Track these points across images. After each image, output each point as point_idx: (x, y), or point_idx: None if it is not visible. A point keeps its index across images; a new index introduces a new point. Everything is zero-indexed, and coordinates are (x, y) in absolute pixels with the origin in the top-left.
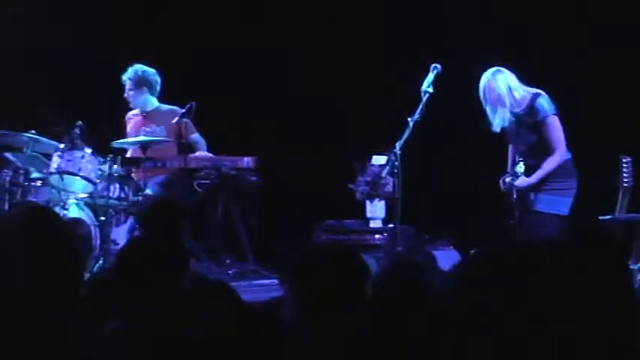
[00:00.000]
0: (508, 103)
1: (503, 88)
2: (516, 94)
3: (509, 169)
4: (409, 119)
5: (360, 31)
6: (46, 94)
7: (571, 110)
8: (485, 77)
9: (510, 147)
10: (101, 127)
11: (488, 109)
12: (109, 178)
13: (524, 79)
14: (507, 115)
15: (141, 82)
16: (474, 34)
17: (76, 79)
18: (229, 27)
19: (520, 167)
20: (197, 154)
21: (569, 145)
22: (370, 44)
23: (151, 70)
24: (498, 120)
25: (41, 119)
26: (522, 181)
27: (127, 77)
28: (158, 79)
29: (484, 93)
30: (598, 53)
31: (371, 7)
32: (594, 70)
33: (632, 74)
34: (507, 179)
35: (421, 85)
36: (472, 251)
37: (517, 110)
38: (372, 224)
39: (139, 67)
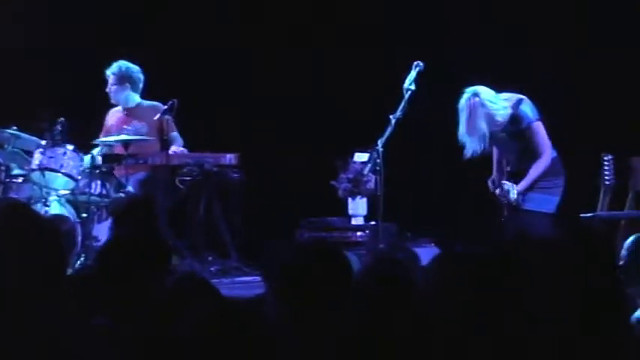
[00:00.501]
0: (485, 131)
1: (482, 118)
2: (498, 118)
3: (494, 170)
4: (391, 117)
5: (348, 28)
6: (41, 93)
7: (553, 109)
8: (465, 104)
9: (495, 150)
10: (83, 124)
11: (462, 133)
12: (91, 175)
13: (509, 78)
14: (477, 146)
15: (124, 79)
16: (473, 34)
17: (72, 78)
18: (216, 25)
19: (513, 193)
20: (173, 147)
21: (555, 144)
22: (356, 41)
23: (135, 67)
24: (469, 148)
25: (24, 115)
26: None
27: (110, 72)
28: (141, 76)
29: (464, 119)
30: (581, 53)
31: (370, 6)
32: (578, 69)
33: (615, 73)
34: (497, 191)
35: (403, 82)
36: (456, 248)
37: (499, 128)
38: (354, 221)
39: (123, 63)
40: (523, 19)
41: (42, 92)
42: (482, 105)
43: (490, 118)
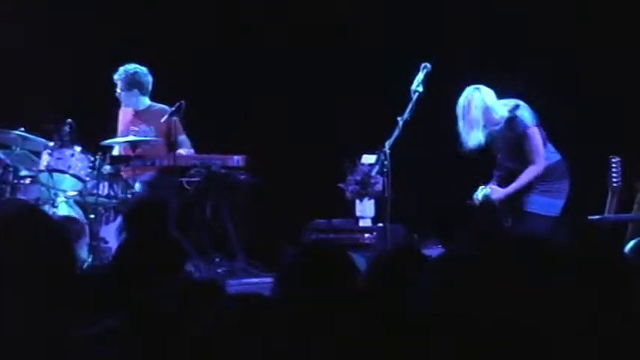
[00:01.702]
0: (482, 124)
1: (479, 110)
2: (494, 115)
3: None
4: (399, 118)
5: (355, 30)
6: (38, 93)
7: (561, 110)
8: (465, 97)
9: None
10: (91, 125)
11: (461, 127)
12: (99, 176)
13: (515, 80)
14: (481, 136)
15: (131, 84)
16: (473, 34)
17: (71, 78)
18: (224, 26)
19: (483, 191)
20: (180, 150)
21: (562, 146)
22: (364, 42)
23: (143, 70)
24: (472, 141)
25: (32, 117)
26: (498, 193)
27: (117, 77)
28: (150, 78)
29: (462, 111)
30: (587, 54)
31: (379, 8)
32: (585, 70)
33: (623, 74)
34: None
35: (411, 84)
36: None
37: (496, 128)
38: (362, 223)
39: (130, 68)
40: (528, 19)
41: (49, 93)
42: (481, 99)
43: (487, 111)
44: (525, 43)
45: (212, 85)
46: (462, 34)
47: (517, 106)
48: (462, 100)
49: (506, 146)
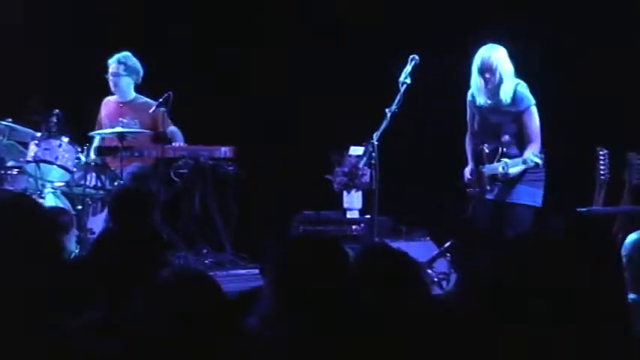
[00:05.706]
0: (506, 80)
1: (508, 66)
2: (508, 69)
3: (470, 160)
4: (387, 110)
5: (343, 23)
6: (36, 85)
7: (549, 102)
8: (495, 49)
9: (468, 138)
10: (79, 116)
11: (481, 79)
12: (86, 167)
13: None
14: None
15: (131, 69)
16: (458, 27)
17: (58, 69)
18: (211, 20)
19: (503, 168)
20: (174, 144)
21: (548, 139)
22: (351, 36)
23: (138, 61)
24: (503, 91)
25: (19, 107)
26: (515, 168)
27: (117, 60)
28: (142, 70)
29: (493, 62)
30: (577, 46)
31: (365, 2)
32: (573, 62)
33: (610, 67)
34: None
35: (399, 76)
36: (448, 243)
37: (502, 97)
38: (349, 215)
39: (130, 54)
40: (519, 13)
41: (37, 84)
42: (507, 59)
43: (511, 72)
44: (514, 35)
45: (199, 76)
46: (451, 26)
47: (519, 83)
48: (493, 51)
49: (506, 123)
